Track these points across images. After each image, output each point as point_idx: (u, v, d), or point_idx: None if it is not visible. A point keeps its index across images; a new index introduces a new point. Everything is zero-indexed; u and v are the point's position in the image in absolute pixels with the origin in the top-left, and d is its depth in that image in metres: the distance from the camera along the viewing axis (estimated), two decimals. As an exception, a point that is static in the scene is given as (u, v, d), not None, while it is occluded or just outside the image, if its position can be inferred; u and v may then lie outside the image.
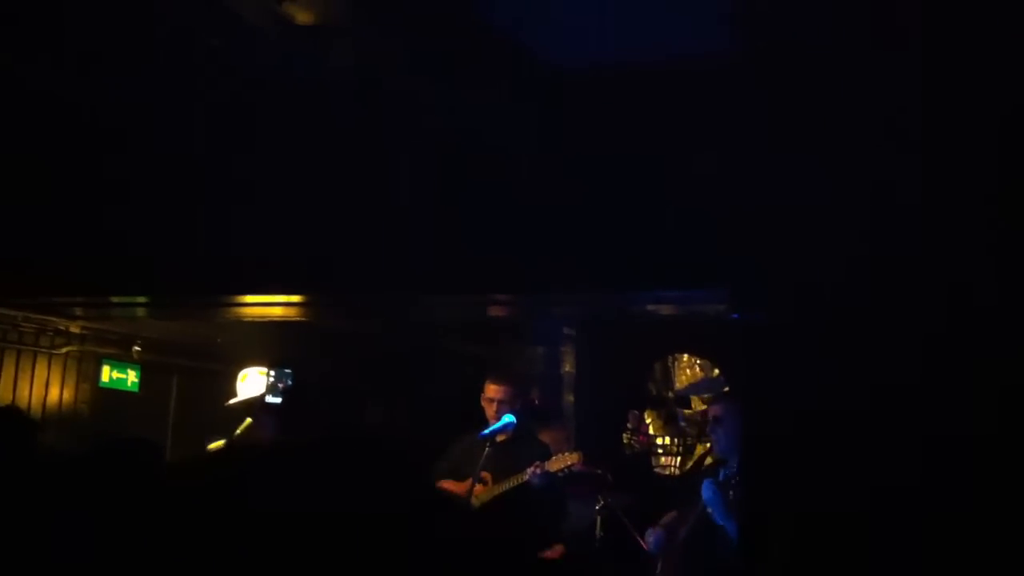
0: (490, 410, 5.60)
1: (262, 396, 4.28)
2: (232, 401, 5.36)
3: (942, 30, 3.45)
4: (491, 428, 5.43)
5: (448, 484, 5.64)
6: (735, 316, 4.07)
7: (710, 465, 5.24)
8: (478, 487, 5.43)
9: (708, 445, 6.50)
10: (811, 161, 3.57)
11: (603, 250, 4.67)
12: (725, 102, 3.91)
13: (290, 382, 4.28)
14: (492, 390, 5.61)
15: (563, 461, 5.33)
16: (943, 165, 3.62)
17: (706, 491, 4.72)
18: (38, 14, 4.20)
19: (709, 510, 4.77)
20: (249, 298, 5.80)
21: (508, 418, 5.42)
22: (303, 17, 3.75)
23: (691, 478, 5.71)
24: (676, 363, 7.32)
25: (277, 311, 6.00)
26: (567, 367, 7.53)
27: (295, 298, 5.74)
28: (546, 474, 5.31)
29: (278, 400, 4.26)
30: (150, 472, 2.97)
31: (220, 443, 5.25)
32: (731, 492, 4.65)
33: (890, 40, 3.51)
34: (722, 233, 4.21)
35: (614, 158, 4.48)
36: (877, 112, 3.63)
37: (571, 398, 7.45)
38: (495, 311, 5.81)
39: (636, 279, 4.68)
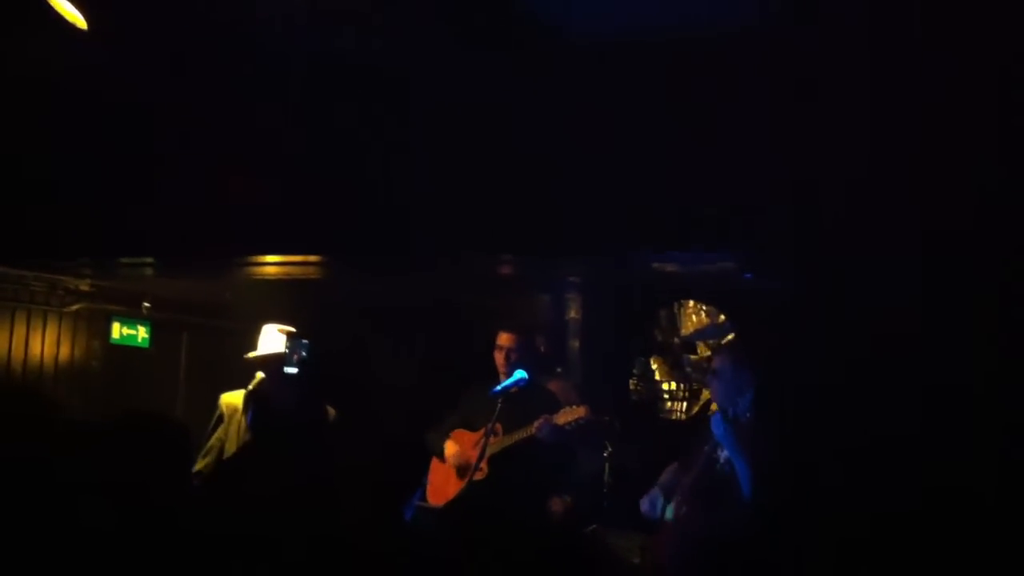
0: (501, 359, 5.63)
1: (279, 364, 4.36)
2: (250, 355, 5.39)
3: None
4: (503, 385, 5.48)
5: (461, 434, 5.73)
6: (748, 276, 4.11)
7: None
8: (492, 439, 5.50)
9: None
10: (831, 133, 3.58)
11: (612, 212, 4.69)
12: (743, 69, 3.91)
13: (305, 353, 4.35)
14: (505, 339, 5.63)
15: (570, 415, 5.37)
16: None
17: (716, 426, 4.69)
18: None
19: (717, 451, 4.79)
20: (256, 258, 5.84)
21: (520, 374, 5.45)
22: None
23: (697, 425, 5.70)
24: (682, 309, 7.37)
25: (284, 271, 6.04)
26: (572, 313, 7.56)
27: (299, 258, 5.77)
28: (553, 428, 5.39)
29: (295, 370, 4.34)
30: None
31: (236, 392, 5.28)
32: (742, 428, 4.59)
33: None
34: (735, 196, 4.24)
35: (624, 121, 4.49)
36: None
37: (576, 344, 7.51)
38: (504, 271, 5.83)
39: (644, 240, 4.72)
